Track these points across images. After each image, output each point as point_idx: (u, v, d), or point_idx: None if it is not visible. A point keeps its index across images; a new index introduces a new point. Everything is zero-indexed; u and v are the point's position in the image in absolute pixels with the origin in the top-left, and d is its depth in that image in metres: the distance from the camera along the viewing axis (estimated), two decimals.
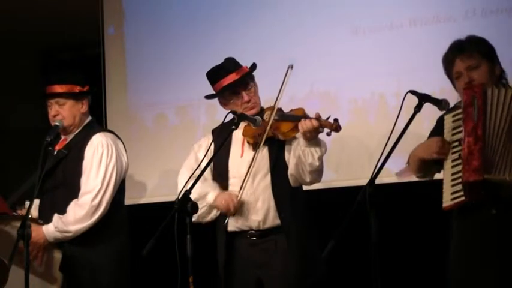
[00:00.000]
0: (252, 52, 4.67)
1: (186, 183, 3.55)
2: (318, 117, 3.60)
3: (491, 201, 3.17)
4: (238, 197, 3.75)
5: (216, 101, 4.04)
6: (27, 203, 4.17)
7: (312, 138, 3.63)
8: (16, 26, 6.37)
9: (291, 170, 3.74)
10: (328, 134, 3.62)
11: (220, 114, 4.04)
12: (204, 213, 3.84)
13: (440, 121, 3.40)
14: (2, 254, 3.72)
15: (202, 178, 3.63)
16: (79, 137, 4.12)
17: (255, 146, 3.80)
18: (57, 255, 3.99)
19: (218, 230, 3.89)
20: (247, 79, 3.89)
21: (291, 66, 3.77)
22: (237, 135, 3.84)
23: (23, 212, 4.14)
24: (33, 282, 3.89)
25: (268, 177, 3.79)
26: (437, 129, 3.40)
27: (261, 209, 3.77)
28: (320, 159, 3.66)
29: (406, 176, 3.54)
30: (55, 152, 4.13)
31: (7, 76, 6.73)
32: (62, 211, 3.97)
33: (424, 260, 4.51)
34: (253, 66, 3.93)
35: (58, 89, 4.14)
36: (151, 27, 5.54)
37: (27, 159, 4.41)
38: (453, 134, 3.27)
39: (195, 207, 3.38)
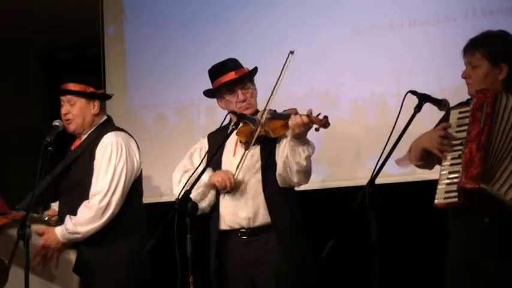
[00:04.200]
0: (252, 52, 4.67)
1: (185, 184, 3.57)
2: (308, 114, 3.61)
3: (485, 209, 3.15)
4: (235, 175, 3.77)
5: (215, 101, 4.06)
6: (52, 205, 4.20)
7: (301, 135, 3.63)
8: (16, 26, 6.38)
9: (279, 169, 3.76)
10: (317, 130, 3.63)
11: (220, 114, 4.05)
12: (200, 195, 3.84)
13: (446, 115, 3.37)
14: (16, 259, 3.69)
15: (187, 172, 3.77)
16: (91, 136, 4.11)
17: (248, 145, 3.82)
18: (73, 255, 3.97)
19: (211, 230, 3.90)
20: (245, 80, 3.93)
21: (292, 52, 3.78)
22: (232, 136, 3.84)
23: (51, 213, 4.16)
24: (50, 285, 3.91)
25: (259, 175, 3.81)
26: (444, 121, 3.37)
27: (251, 206, 3.79)
28: (307, 159, 3.67)
29: (405, 164, 3.53)
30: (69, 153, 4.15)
31: (7, 76, 6.74)
32: (76, 212, 3.96)
33: (424, 260, 4.51)
34: (254, 70, 3.96)
35: (71, 87, 4.13)
36: (151, 27, 5.54)
37: (27, 160, 4.41)
38: (456, 132, 3.24)
39: (195, 207, 3.38)
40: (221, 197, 3.86)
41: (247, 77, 3.94)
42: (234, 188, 3.81)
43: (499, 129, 3.14)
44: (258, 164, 3.82)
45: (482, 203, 3.13)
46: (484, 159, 3.10)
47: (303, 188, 3.98)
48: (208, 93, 4.06)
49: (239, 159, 3.82)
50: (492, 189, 3.09)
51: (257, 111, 3.92)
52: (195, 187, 3.72)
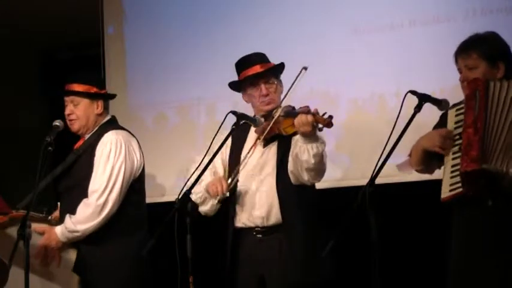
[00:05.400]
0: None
1: (186, 183, 3.58)
2: (314, 113, 3.59)
3: (488, 193, 3.18)
4: (229, 182, 3.77)
5: (216, 101, 4.08)
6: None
7: (308, 134, 3.60)
8: (16, 26, 6.38)
9: (290, 167, 3.74)
10: (320, 129, 3.61)
11: (220, 114, 4.06)
12: (201, 199, 3.84)
13: (443, 116, 3.41)
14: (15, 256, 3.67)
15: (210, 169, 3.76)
16: (94, 136, 4.12)
17: (265, 143, 3.82)
18: (73, 255, 3.98)
19: (228, 227, 3.90)
20: (269, 74, 3.90)
21: (305, 68, 3.77)
22: (253, 133, 3.88)
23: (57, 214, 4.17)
24: (50, 284, 3.92)
25: (274, 174, 3.79)
26: (440, 125, 3.41)
27: (264, 204, 3.78)
28: (316, 156, 3.61)
29: (406, 169, 3.54)
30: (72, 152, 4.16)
31: (7, 76, 6.74)
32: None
33: (424, 259, 4.51)
34: (280, 65, 3.93)
35: (75, 87, 4.14)
36: (151, 27, 5.54)
37: (27, 160, 4.41)
38: (455, 128, 3.28)
39: (195, 207, 3.39)
40: (237, 194, 3.84)
41: (272, 72, 3.90)
42: (248, 186, 3.80)
43: (494, 112, 3.19)
44: (273, 162, 3.81)
45: (485, 187, 3.16)
46: (482, 141, 3.15)
47: None
48: (233, 86, 4.04)
49: (256, 155, 3.83)
50: (492, 167, 3.12)
51: (284, 107, 3.89)
52: (197, 190, 3.77)
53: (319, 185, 3.99)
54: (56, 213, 4.16)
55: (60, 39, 6.71)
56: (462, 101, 3.33)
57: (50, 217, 4.09)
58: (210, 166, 3.72)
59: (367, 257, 2.91)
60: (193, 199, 3.81)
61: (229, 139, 3.88)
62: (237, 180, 3.82)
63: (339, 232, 3.03)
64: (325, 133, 3.71)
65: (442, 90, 4.18)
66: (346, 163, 4.79)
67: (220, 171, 3.93)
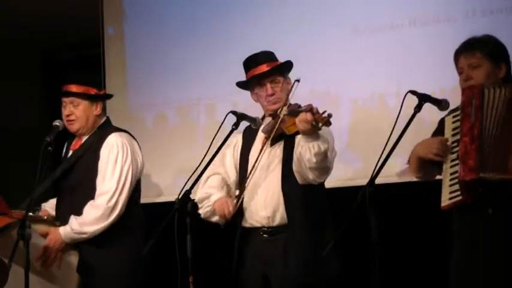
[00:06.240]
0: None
1: (186, 182, 3.58)
2: (313, 112, 3.57)
3: (488, 200, 3.18)
4: (235, 202, 3.76)
5: (216, 101, 4.07)
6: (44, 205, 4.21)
7: (308, 132, 3.56)
8: (16, 26, 6.38)
9: (294, 166, 3.72)
10: (319, 128, 3.60)
11: (220, 114, 4.06)
12: (209, 213, 3.85)
13: (441, 122, 3.42)
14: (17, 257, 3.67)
15: (212, 176, 3.85)
16: (94, 137, 4.12)
17: (272, 143, 3.81)
18: (74, 256, 3.98)
19: (235, 227, 3.90)
20: (275, 73, 3.87)
21: (298, 81, 3.77)
22: (261, 133, 3.87)
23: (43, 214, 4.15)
24: (50, 285, 3.92)
25: (280, 174, 3.78)
26: (438, 131, 3.42)
27: (270, 205, 3.77)
28: (318, 155, 3.57)
29: (406, 177, 3.54)
30: (70, 153, 4.16)
31: (7, 76, 6.74)
32: (79, 212, 3.96)
33: (424, 259, 4.51)
34: (286, 63, 3.91)
35: (74, 88, 4.14)
36: (151, 27, 5.54)
37: (27, 160, 4.41)
38: (453, 135, 3.29)
39: (195, 207, 3.38)
40: (244, 194, 3.82)
41: (277, 70, 3.88)
42: (254, 186, 3.79)
43: (490, 119, 3.19)
44: (279, 161, 3.80)
45: (484, 195, 3.16)
46: (479, 149, 3.15)
47: None
48: (240, 85, 4.02)
49: (264, 156, 3.81)
50: (491, 175, 3.12)
51: (289, 105, 3.87)
52: (205, 205, 3.82)
53: None
54: (42, 213, 4.15)
55: (60, 39, 6.72)
56: (459, 106, 3.33)
57: (45, 217, 4.09)
58: (221, 170, 3.77)
59: (367, 257, 2.91)
60: (201, 212, 3.86)
61: (241, 139, 3.92)
62: (243, 198, 3.80)
63: (339, 232, 3.03)
64: None
65: (442, 90, 4.18)
66: (346, 163, 4.79)
67: (231, 174, 3.94)
